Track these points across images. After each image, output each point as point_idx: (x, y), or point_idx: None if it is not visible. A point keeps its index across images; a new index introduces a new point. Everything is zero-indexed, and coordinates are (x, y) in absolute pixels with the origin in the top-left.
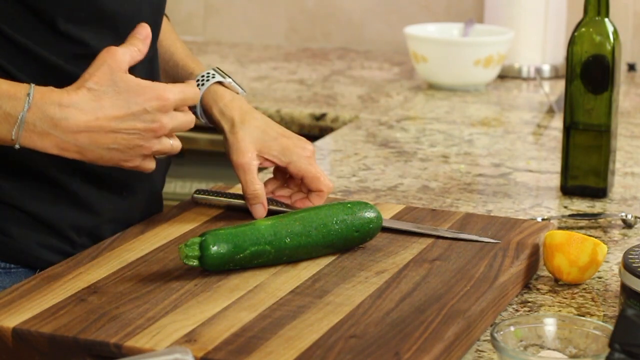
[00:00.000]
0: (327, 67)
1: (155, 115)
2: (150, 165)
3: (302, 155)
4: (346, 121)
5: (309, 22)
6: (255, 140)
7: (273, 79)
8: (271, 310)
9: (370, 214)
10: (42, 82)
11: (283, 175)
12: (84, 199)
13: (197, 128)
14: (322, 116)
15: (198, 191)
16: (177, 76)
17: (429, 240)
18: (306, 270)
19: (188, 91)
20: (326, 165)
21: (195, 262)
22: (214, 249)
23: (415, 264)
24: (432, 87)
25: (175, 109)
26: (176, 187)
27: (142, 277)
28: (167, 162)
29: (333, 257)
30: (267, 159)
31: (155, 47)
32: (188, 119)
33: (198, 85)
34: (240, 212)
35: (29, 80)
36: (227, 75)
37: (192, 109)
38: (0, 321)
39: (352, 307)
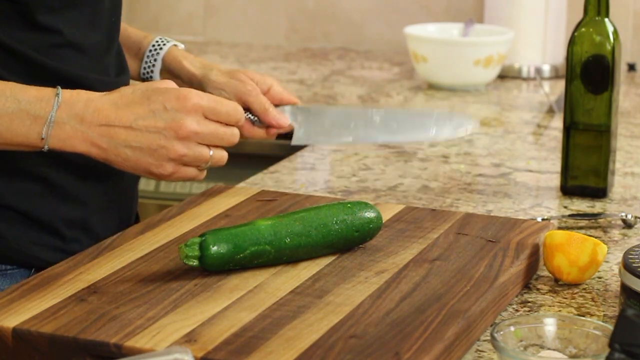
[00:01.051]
0: (327, 67)
1: (175, 114)
2: (189, 172)
3: (276, 82)
4: None
5: (309, 22)
6: (237, 70)
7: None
8: (271, 310)
9: (370, 214)
10: (17, 73)
11: None
12: (70, 191)
13: None
14: None
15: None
16: (128, 40)
17: (429, 240)
18: (306, 270)
19: (224, 103)
20: (326, 165)
21: (195, 262)
22: (214, 249)
23: (415, 264)
24: (432, 87)
25: (209, 118)
26: (176, 187)
27: (142, 277)
28: None
29: (333, 257)
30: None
31: (119, 30)
32: (224, 130)
33: (156, 48)
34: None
35: (5, 74)
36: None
37: (148, 74)
38: (0, 321)
39: (352, 307)
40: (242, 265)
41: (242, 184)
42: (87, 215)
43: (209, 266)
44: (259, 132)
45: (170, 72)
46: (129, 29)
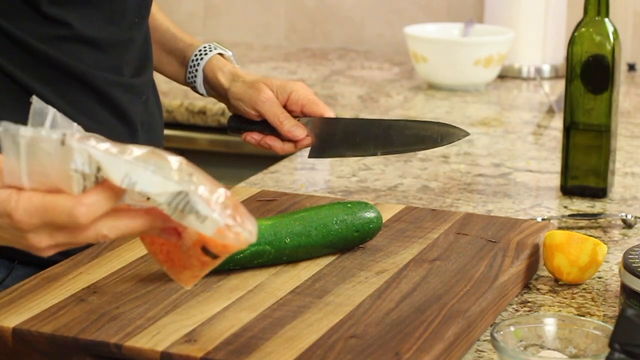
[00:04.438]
0: (327, 67)
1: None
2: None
3: (301, 86)
4: None
5: (309, 22)
6: (259, 79)
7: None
8: (271, 310)
9: (370, 214)
10: (24, 66)
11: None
12: None
13: (197, 128)
14: None
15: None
16: (175, 47)
17: (429, 240)
18: (306, 270)
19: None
20: (326, 165)
21: None
22: None
23: (415, 264)
24: (432, 87)
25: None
26: None
27: (142, 277)
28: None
29: (333, 257)
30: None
31: (147, 27)
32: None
33: (198, 58)
34: None
35: (10, 65)
36: (227, 49)
37: (192, 84)
38: (0, 321)
39: (352, 307)
40: (242, 265)
41: (242, 184)
42: None
43: None
44: (289, 147)
45: (209, 83)
46: (178, 34)
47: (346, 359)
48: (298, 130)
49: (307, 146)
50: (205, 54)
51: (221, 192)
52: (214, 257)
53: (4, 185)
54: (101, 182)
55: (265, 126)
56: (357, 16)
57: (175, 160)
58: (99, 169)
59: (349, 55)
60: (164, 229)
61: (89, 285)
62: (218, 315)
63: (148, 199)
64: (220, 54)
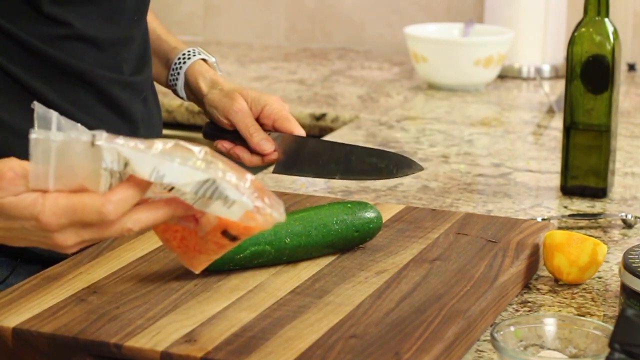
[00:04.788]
0: (327, 67)
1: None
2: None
3: (276, 100)
4: (346, 121)
5: (309, 22)
6: (235, 89)
7: (273, 79)
8: (271, 310)
9: (370, 214)
10: (25, 66)
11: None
12: None
13: (197, 128)
14: (322, 116)
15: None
16: (159, 48)
17: (429, 240)
18: (306, 270)
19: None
20: None
21: None
22: None
23: (415, 264)
24: (432, 87)
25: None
26: None
27: (142, 277)
28: None
29: (333, 257)
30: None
31: (145, 26)
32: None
33: (181, 61)
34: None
35: (11, 64)
36: (211, 55)
37: (173, 86)
38: (0, 321)
39: (352, 307)
40: (242, 265)
41: None
42: None
43: (209, 266)
44: (256, 160)
45: (189, 88)
46: (163, 35)
47: (346, 359)
48: (267, 145)
49: (274, 161)
50: (189, 58)
51: (248, 177)
52: (233, 239)
53: (28, 189)
54: (126, 179)
55: (237, 136)
56: (357, 16)
57: (199, 150)
58: (126, 165)
59: (349, 55)
60: (182, 217)
61: (89, 285)
62: (218, 315)
63: (170, 190)
64: (203, 60)
